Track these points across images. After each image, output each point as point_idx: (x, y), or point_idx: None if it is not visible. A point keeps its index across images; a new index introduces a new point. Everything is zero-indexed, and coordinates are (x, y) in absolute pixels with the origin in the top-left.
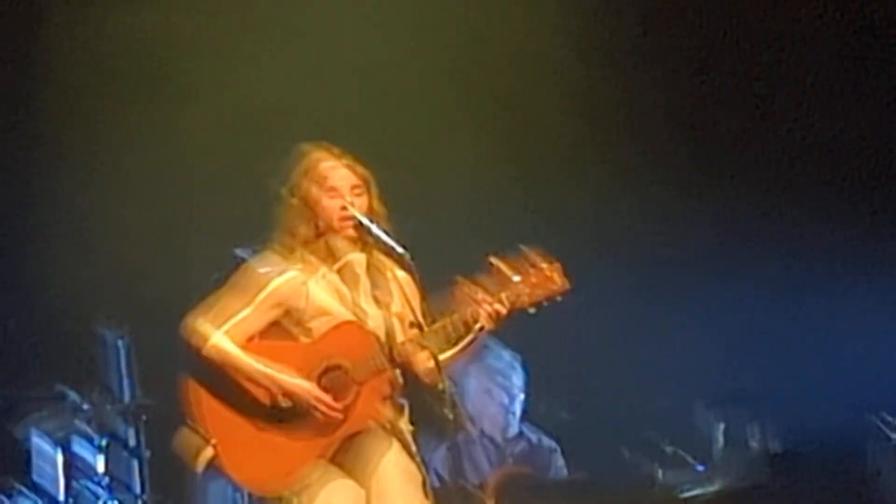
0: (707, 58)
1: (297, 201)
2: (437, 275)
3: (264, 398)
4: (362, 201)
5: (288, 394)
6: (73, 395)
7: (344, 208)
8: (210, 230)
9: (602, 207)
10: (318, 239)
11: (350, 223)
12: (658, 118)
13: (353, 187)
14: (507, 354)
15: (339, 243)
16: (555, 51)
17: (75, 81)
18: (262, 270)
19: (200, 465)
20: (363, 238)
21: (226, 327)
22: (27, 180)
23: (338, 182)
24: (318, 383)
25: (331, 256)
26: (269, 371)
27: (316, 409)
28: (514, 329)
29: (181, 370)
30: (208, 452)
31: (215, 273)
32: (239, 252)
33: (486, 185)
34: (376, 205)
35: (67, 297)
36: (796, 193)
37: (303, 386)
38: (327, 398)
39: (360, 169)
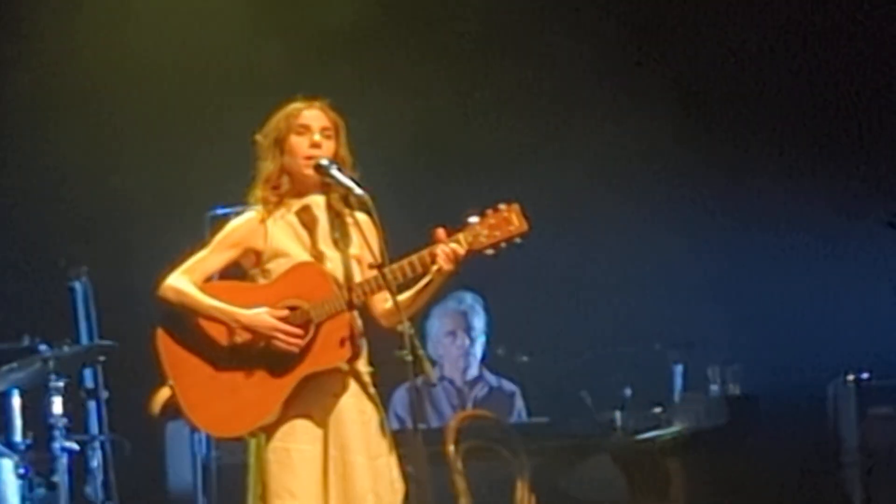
0: None
1: (267, 140)
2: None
3: (222, 338)
4: (330, 144)
5: (245, 325)
6: (43, 347)
7: (312, 146)
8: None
9: (564, 152)
10: (281, 177)
11: (313, 161)
12: (626, 54)
13: (323, 129)
14: (469, 297)
15: (300, 184)
16: None
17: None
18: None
19: (156, 406)
20: (323, 179)
21: (182, 268)
22: None
23: (308, 121)
24: None
25: (291, 197)
26: (224, 306)
27: (275, 337)
28: (474, 272)
29: (141, 312)
30: (164, 394)
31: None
32: (220, 210)
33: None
34: (343, 151)
35: (36, 249)
36: (765, 146)
37: (260, 315)
38: (285, 325)
39: (332, 114)
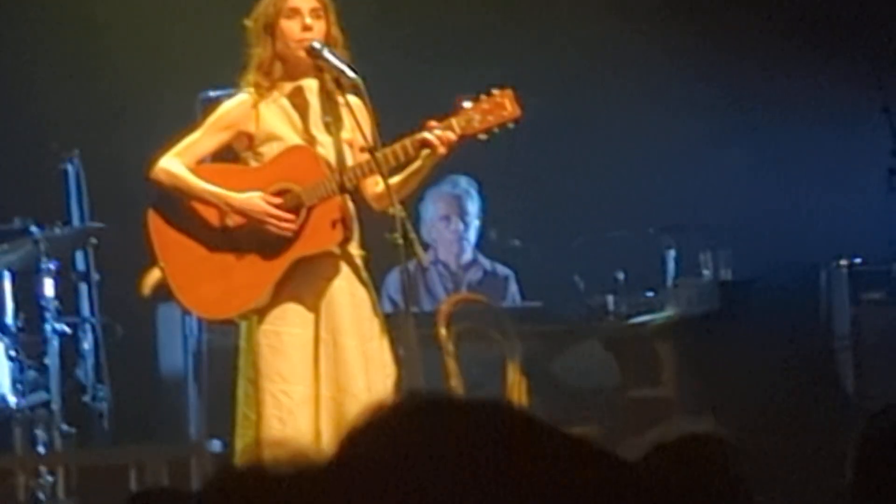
0: None
1: (257, 26)
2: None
3: (214, 220)
4: (321, 25)
5: (237, 210)
6: (35, 229)
7: (303, 29)
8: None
9: (559, 34)
10: (274, 63)
11: (305, 44)
12: None
13: (313, 10)
14: (463, 181)
15: (293, 68)
16: None
17: None
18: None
19: (147, 287)
20: (316, 62)
21: (175, 150)
22: None
23: (297, 3)
24: None
25: (283, 81)
26: (216, 189)
27: (266, 221)
28: (466, 154)
29: (132, 194)
30: (155, 275)
31: None
32: (212, 93)
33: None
34: (334, 31)
35: (28, 131)
36: (767, 28)
37: (252, 200)
38: (276, 210)
39: None
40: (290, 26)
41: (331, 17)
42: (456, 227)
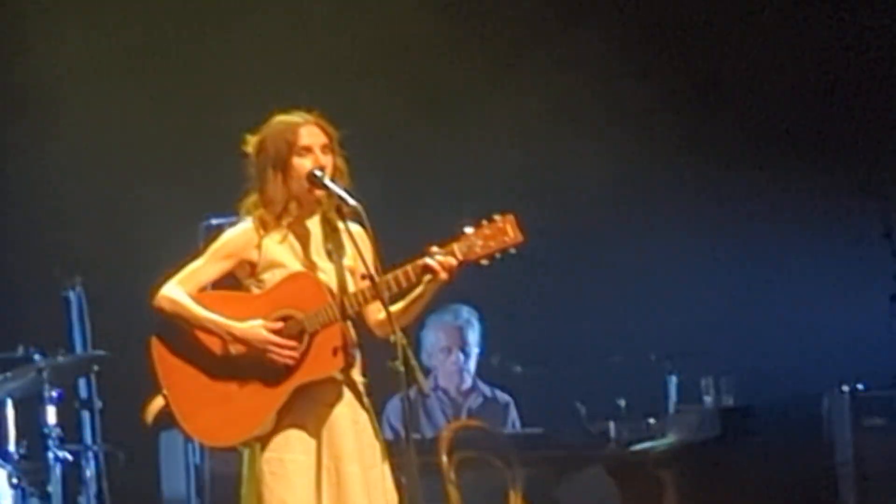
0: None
1: (265, 161)
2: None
3: (216, 348)
4: (329, 159)
5: (240, 339)
6: (38, 357)
7: (319, 169)
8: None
9: (561, 163)
10: (289, 203)
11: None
12: (631, 65)
13: (323, 146)
14: (465, 311)
15: (309, 206)
16: None
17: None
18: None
19: (150, 415)
20: (316, 190)
21: (177, 278)
22: None
23: (308, 141)
24: None
25: (289, 212)
26: (218, 318)
27: (269, 350)
28: (468, 280)
29: (135, 322)
30: (158, 403)
31: None
32: (214, 221)
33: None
34: (340, 163)
35: (31, 259)
36: (766, 160)
37: (254, 329)
38: (278, 338)
39: (327, 127)
40: (302, 164)
41: (336, 149)
42: (456, 359)
